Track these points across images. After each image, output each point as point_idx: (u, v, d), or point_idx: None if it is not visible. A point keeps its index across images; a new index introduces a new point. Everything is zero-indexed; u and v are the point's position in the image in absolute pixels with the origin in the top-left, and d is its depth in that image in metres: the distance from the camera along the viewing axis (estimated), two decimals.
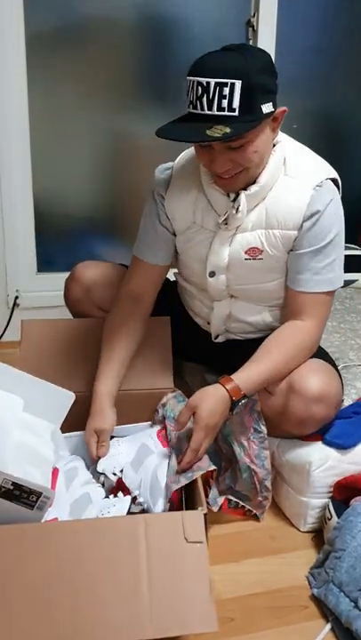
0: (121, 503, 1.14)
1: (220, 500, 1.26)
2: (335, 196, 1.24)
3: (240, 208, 1.22)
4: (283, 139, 1.25)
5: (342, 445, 1.25)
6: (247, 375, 1.21)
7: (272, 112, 1.13)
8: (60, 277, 2.17)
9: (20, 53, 2.00)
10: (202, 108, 1.09)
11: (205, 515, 1.01)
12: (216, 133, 1.07)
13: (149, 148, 2.23)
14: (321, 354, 1.35)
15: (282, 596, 1.14)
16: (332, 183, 1.24)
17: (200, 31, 2.17)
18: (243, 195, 1.21)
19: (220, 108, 1.07)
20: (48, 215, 2.23)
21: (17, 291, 2.21)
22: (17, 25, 1.97)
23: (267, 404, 1.28)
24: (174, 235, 1.37)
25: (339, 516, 1.18)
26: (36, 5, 1.97)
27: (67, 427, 1.33)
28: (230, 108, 1.07)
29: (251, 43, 2.23)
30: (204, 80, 1.07)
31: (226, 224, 1.26)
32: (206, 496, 1.13)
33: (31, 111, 2.07)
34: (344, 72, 2.41)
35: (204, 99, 1.08)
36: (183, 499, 1.16)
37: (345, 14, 2.33)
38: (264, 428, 1.30)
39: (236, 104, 1.07)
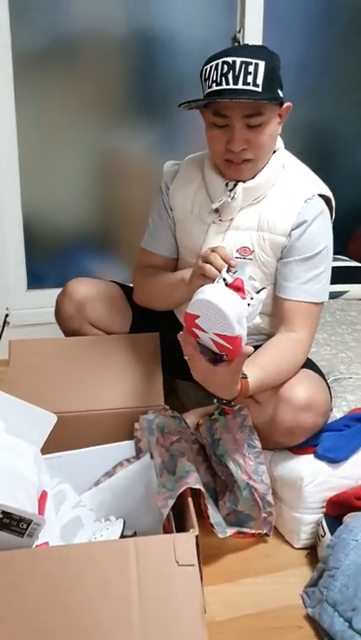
0: (113, 526, 1.13)
1: (230, 531, 1.25)
2: (324, 211, 1.30)
3: (235, 196, 1.26)
4: (283, 147, 1.34)
5: (334, 459, 1.25)
6: (257, 380, 1.19)
7: (283, 101, 1.22)
8: (51, 294, 2.16)
9: (7, 71, 2.01)
10: (227, 83, 1.15)
11: (197, 536, 1.00)
12: (248, 95, 1.14)
13: (139, 164, 2.24)
14: (309, 365, 1.36)
15: (276, 616, 1.12)
16: (322, 200, 1.30)
17: (187, 47, 2.19)
18: (240, 185, 1.27)
19: (245, 83, 1.15)
20: (38, 231, 2.23)
21: (7, 308, 2.20)
22: (3, 42, 1.98)
23: (255, 415, 1.29)
24: (175, 225, 1.43)
25: (332, 533, 1.17)
26: (22, 22, 1.99)
27: (48, 449, 1.31)
28: (255, 84, 1.15)
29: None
30: (230, 59, 1.15)
31: (219, 216, 1.31)
32: (202, 521, 1.11)
33: (19, 128, 2.08)
34: (330, 86, 2.43)
35: (230, 75, 1.15)
36: (173, 522, 1.15)
37: (330, 29, 2.36)
38: (258, 443, 1.29)
39: (260, 81, 1.15)
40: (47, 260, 2.28)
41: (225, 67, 1.15)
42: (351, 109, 2.50)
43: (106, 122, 2.20)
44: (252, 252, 1.31)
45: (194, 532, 1.01)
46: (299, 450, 1.29)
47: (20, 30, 1.99)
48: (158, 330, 1.48)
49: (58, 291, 2.18)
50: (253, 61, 1.14)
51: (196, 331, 1.07)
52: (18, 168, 2.12)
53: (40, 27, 2.01)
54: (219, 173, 1.31)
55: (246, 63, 1.14)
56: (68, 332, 1.53)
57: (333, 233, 1.35)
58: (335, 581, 1.05)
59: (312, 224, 1.27)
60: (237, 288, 1.07)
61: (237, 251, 1.32)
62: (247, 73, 1.14)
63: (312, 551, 1.27)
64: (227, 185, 1.29)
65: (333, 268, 1.74)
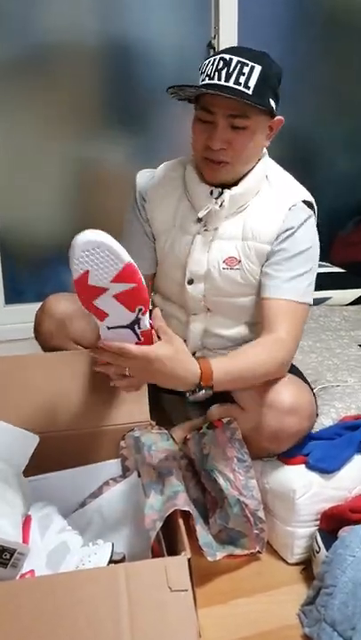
0: (102, 550, 1.08)
1: (220, 554, 1.22)
2: (310, 216, 1.28)
3: (224, 204, 1.24)
4: (266, 155, 1.32)
5: (326, 469, 1.22)
6: (223, 366, 1.13)
7: (274, 112, 1.21)
8: (31, 309, 2.10)
9: None
10: (219, 79, 1.14)
11: (189, 560, 0.96)
12: (235, 94, 1.12)
13: (116, 174, 2.21)
14: (295, 372, 1.34)
15: (273, 637, 1.09)
16: (306, 206, 1.28)
17: (162, 55, 2.16)
18: (227, 192, 1.25)
19: (237, 82, 1.13)
20: (15, 245, 2.18)
21: None
22: None
23: (240, 421, 1.27)
24: (153, 239, 1.38)
25: (327, 548, 1.14)
26: None
27: (30, 471, 1.26)
28: (246, 86, 1.13)
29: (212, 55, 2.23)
30: (227, 56, 1.15)
31: (205, 226, 1.28)
32: (190, 541, 1.07)
33: None
34: (308, 93, 2.42)
35: (224, 71, 1.14)
36: (163, 543, 1.11)
37: (306, 36, 2.35)
38: (248, 457, 1.26)
39: (252, 84, 1.14)
40: (25, 274, 2.23)
41: (221, 62, 1.14)
42: (328, 115, 2.50)
43: (82, 133, 2.16)
44: (239, 261, 1.29)
45: (186, 554, 0.97)
46: (289, 459, 1.27)
47: None
48: None
49: (37, 305, 2.12)
50: (250, 64, 1.14)
51: (96, 300, 0.98)
52: None
53: (11, 37, 1.97)
54: (202, 180, 1.28)
55: (242, 63, 1.14)
56: (49, 351, 1.48)
57: None
58: (333, 599, 1.02)
59: (298, 229, 1.25)
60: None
61: (224, 261, 1.29)
62: (241, 73, 1.13)
63: (307, 566, 1.24)
64: (211, 193, 1.26)
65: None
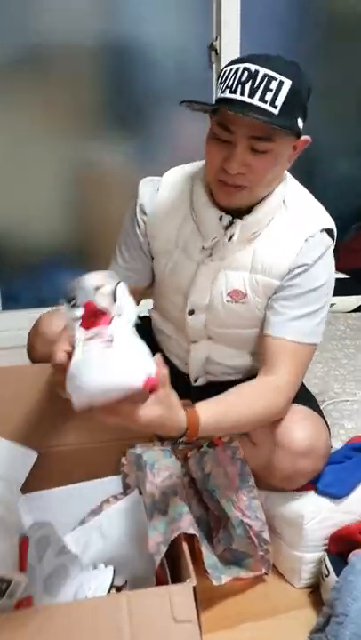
0: (102, 575, 1.04)
1: (225, 578, 1.17)
2: (327, 250, 1.15)
3: (234, 237, 1.12)
4: (287, 176, 1.18)
5: (336, 495, 1.18)
6: (213, 418, 1.03)
7: (300, 133, 1.06)
8: (27, 315, 2.05)
9: None
10: (242, 94, 0.98)
11: (194, 587, 0.92)
12: (260, 114, 0.97)
13: (115, 176, 2.17)
14: (304, 395, 1.26)
15: None
16: (326, 235, 1.15)
17: (162, 56, 2.12)
18: (239, 223, 1.11)
19: (262, 100, 0.97)
20: (11, 249, 2.14)
21: None
22: None
23: (250, 457, 1.20)
24: (152, 257, 1.27)
25: (336, 571, 1.10)
26: None
27: (28, 487, 1.23)
28: (272, 104, 0.98)
29: (214, 67, 2.19)
30: (253, 67, 0.98)
31: (210, 255, 1.16)
32: (195, 563, 1.03)
33: None
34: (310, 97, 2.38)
35: (248, 85, 0.98)
36: (167, 567, 1.06)
37: (308, 37, 2.31)
38: (250, 477, 1.22)
39: (279, 102, 0.98)
40: (21, 279, 2.19)
41: (245, 74, 0.98)
42: (330, 120, 2.46)
43: (80, 134, 2.12)
44: (245, 295, 1.17)
45: (191, 582, 0.93)
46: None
47: None
48: None
49: (34, 311, 2.07)
50: (279, 77, 0.98)
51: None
52: None
53: (9, 37, 1.92)
54: (212, 203, 1.13)
55: (270, 77, 0.98)
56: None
57: None
58: (344, 629, 0.98)
59: (313, 266, 1.12)
60: (94, 314, 0.89)
61: (228, 294, 1.18)
62: (267, 89, 0.97)
63: (315, 590, 1.20)
64: (221, 219, 1.12)
65: None
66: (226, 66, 1.04)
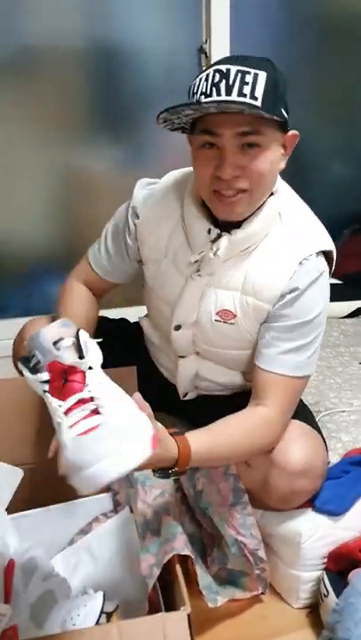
0: (92, 601, 0.99)
1: (221, 600, 1.12)
2: (322, 274, 1.07)
3: (219, 252, 1.05)
4: (282, 187, 1.11)
5: (335, 512, 1.13)
6: (204, 449, 1.00)
7: (287, 124, 0.99)
8: (17, 324, 1.99)
9: None
10: (218, 94, 0.92)
11: (189, 615, 0.87)
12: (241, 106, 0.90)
13: (105, 181, 2.13)
14: (299, 409, 1.20)
15: None
16: (322, 258, 1.08)
17: (151, 59, 2.08)
18: (225, 238, 1.05)
19: (241, 94, 0.90)
20: None
21: None
22: None
23: (245, 478, 1.16)
24: (139, 262, 1.23)
25: (336, 591, 1.06)
26: None
27: (14, 507, 1.17)
28: (252, 96, 0.91)
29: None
30: (223, 67, 0.92)
31: (198, 270, 1.10)
32: (189, 583, 0.98)
33: None
34: (300, 98, 2.35)
35: (222, 84, 0.91)
36: (159, 591, 1.01)
37: (299, 40, 2.29)
38: (244, 493, 1.17)
39: (259, 93, 0.91)
40: (10, 288, 2.14)
41: (217, 75, 0.92)
42: (323, 123, 2.43)
43: (68, 139, 2.08)
44: (235, 316, 1.11)
45: (185, 609, 0.88)
46: None
47: None
48: (131, 361, 1.23)
49: (24, 320, 2.02)
50: (253, 71, 0.92)
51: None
52: None
53: None
54: (202, 214, 1.08)
55: (243, 72, 0.91)
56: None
57: None
58: None
59: (305, 292, 1.05)
60: (62, 375, 0.80)
61: (217, 313, 1.11)
62: (244, 83, 0.91)
63: (313, 610, 1.15)
64: (209, 232, 1.06)
65: None
66: (194, 79, 0.98)
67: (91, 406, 0.78)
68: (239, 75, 0.91)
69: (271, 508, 1.18)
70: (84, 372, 0.81)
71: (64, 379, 0.80)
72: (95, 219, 2.14)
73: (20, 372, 1.30)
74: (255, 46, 2.22)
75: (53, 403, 0.81)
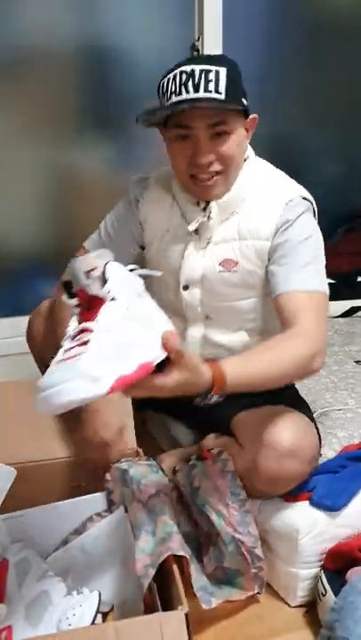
0: (88, 601, 0.97)
1: (215, 601, 1.10)
2: (309, 209, 1.21)
3: (212, 215, 1.19)
4: (253, 155, 1.26)
5: (332, 507, 1.13)
6: (238, 371, 1.00)
7: (248, 111, 1.16)
8: (6, 323, 1.98)
9: None
10: (187, 92, 1.08)
11: (187, 614, 0.85)
12: (211, 102, 1.07)
13: (95, 180, 2.11)
14: (297, 402, 1.25)
15: None
16: (305, 200, 1.21)
17: (143, 57, 2.07)
18: (213, 203, 1.19)
19: (206, 90, 1.07)
20: None
21: None
22: None
23: (236, 459, 1.18)
24: (141, 248, 1.33)
25: (334, 590, 1.05)
26: None
27: (6, 507, 1.13)
28: (217, 91, 1.07)
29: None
30: (187, 67, 1.08)
31: (197, 234, 1.23)
32: (184, 583, 0.97)
33: None
34: (293, 96, 2.35)
35: (190, 83, 1.07)
36: (155, 591, 1.00)
37: (292, 38, 2.28)
38: (242, 490, 1.16)
39: (222, 88, 1.08)
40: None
41: (183, 76, 1.08)
42: (315, 122, 2.43)
43: (59, 137, 2.06)
44: (236, 263, 1.21)
45: (183, 609, 0.87)
46: (291, 497, 1.17)
47: None
48: None
49: (12, 320, 2.01)
50: (214, 68, 1.08)
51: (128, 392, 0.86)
52: None
53: None
54: (190, 193, 1.22)
55: (206, 71, 1.07)
56: (38, 353, 1.39)
57: None
58: None
59: (296, 221, 1.18)
60: (88, 303, 0.84)
61: (220, 264, 1.22)
62: (208, 80, 1.07)
63: (310, 609, 1.14)
64: (198, 204, 1.21)
65: None
66: (161, 80, 1.12)
67: (85, 337, 0.80)
68: (203, 73, 1.07)
69: (260, 496, 1.19)
70: (103, 303, 0.84)
71: (88, 306, 0.85)
72: (86, 217, 2.12)
73: (34, 349, 1.37)
74: (247, 43, 2.21)
75: (70, 326, 0.85)
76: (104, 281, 0.85)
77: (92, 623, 0.95)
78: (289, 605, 1.16)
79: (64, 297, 0.89)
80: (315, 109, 2.40)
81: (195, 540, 1.26)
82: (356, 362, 1.74)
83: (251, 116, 1.17)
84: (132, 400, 1.32)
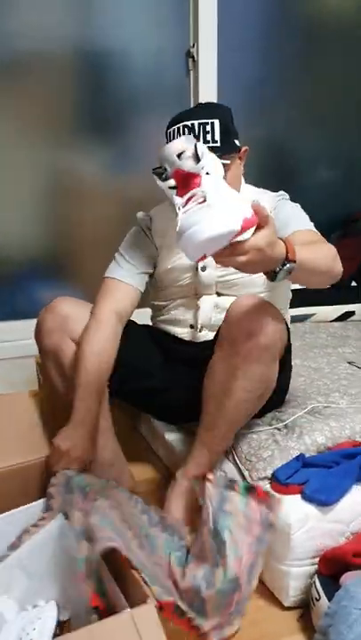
0: (46, 613, 0.92)
1: (166, 597, 0.97)
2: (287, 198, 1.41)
3: None
4: (244, 183, 1.43)
5: (326, 501, 1.09)
6: (299, 249, 1.07)
7: (240, 148, 1.35)
8: (1, 326, 1.96)
9: None
10: None
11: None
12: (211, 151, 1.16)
13: (92, 184, 2.11)
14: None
15: None
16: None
17: (139, 63, 2.08)
18: None
19: (205, 141, 1.27)
20: None
21: None
22: None
23: (224, 332, 1.23)
24: (153, 267, 1.45)
25: (327, 595, 1.02)
26: None
27: None
28: (213, 140, 1.28)
29: (192, 73, 2.17)
30: (189, 122, 1.28)
31: None
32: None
33: None
34: (288, 100, 2.36)
35: (192, 135, 1.25)
36: (119, 591, 0.93)
37: (286, 43, 2.30)
38: (266, 543, 1.10)
39: (217, 137, 1.28)
40: None
41: (185, 130, 1.28)
42: (309, 128, 2.44)
43: (56, 142, 2.06)
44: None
45: (151, 602, 0.84)
46: (283, 489, 1.14)
47: None
48: (144, 353, 1.45)
49: (7, 323, 2.00)
50: (209, 121, 1.28)
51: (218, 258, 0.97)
52: None
53: None
54: None
55: (203, 124, 1.28)
56: (46, 349, 1.38)
57: None
58: None
59: (277, 204, 1.37)
60: (184, 180, 0.99)
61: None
62: (205, 132, 1.27)
63: (304, 612, 1.12)
64: None
65: (299, 290, 1.66)
66: (167, 128, 1.31)
67: (199, 199, 0.95)
68: (201, 126, 1.28)
69: (247, 354, 1.17)
70: (200, 176, 0.98)
71: (184, 184, 0.99)
72: (81, 221, 2.12)
73: (42, 345, 1.40)
74: (242, 50, 2.22)
75: (177, 200, 0.99)
76: (197, 159, 1.00)
77: (54, 634, 0.90)
78: (283, 609, 1.14)
79: (159, 183, 1.04)
80: (309, 114, 2.41)
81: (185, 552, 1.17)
82: (349, 362, 1.74)
83: (243, 149, 1.36)
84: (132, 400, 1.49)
